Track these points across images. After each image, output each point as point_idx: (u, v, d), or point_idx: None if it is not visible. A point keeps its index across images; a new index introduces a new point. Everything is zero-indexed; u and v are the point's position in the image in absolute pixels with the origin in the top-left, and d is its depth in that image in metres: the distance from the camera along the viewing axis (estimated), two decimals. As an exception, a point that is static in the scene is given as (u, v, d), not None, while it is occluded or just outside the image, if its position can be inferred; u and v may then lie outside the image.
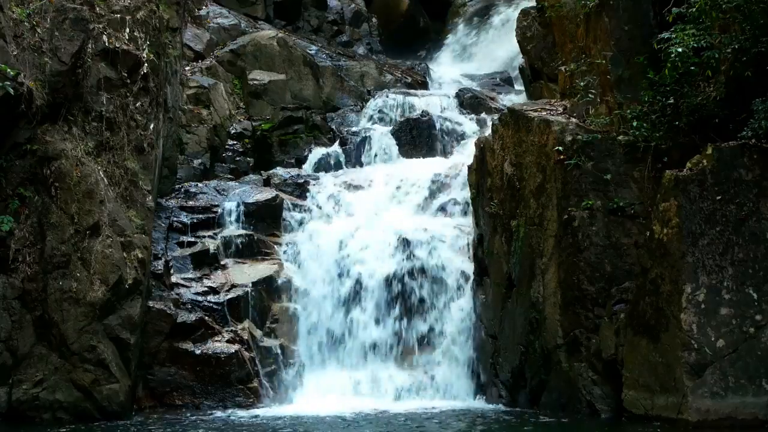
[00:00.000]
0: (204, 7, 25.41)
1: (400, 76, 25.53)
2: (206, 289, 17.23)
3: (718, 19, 14.09)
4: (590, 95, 16.06)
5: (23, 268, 15.05)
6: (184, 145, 20.71)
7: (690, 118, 14.52)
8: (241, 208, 18.73)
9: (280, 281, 17.78)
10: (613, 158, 15.32)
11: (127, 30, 16.46)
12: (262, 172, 20.90)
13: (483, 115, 22.44)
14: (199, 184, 19.56)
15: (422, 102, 23.22)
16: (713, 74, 14.24)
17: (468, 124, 22.15)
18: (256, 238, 18.37)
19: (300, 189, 20.00)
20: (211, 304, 16.98)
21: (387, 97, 23.50)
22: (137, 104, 16.42)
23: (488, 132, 18.35)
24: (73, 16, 15.72)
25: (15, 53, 15.02)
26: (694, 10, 14.11)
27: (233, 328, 16.85)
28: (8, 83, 14.57)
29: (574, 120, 16.04)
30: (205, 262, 17.72)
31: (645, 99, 15.01)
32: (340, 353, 17.67)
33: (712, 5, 13.85)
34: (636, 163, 15.21)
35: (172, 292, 16.93)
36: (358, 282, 18.02)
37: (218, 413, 15.81)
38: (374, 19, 29.25)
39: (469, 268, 18.00)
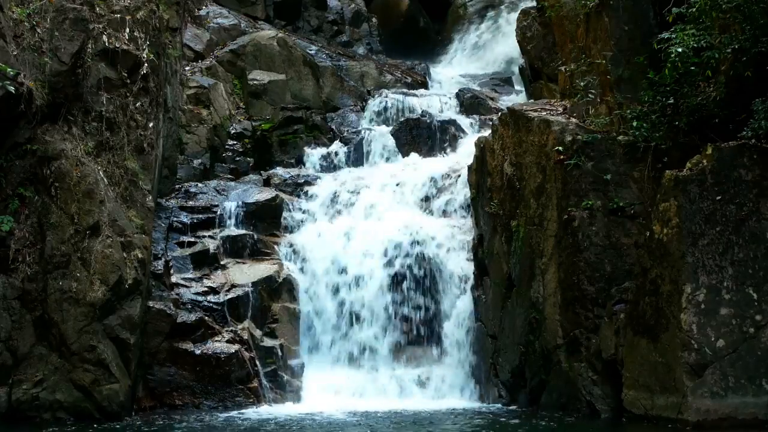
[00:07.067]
0: (204, 7, 25.40)
1: (400, 76, 25.52)
2: (206, 289, 17.23)
3: (718, 19, 14.09)
4: (590, 95, 16.06)
5: (23, 268, 15.04)
6: (184, 145, 20.70)
7: (690, 118, 14.51)
8: (241, 208, 18.73)
9: (280, 281, 17.77)
10: (613, 158, 15.32)
11: (127, 30, 16.46)
12: (262, 172, 20.91)
13: (483, 115, 22.44)
14: (199, 184, 19.56)
15: (422, 102, 23.23)
16: (713, 74, 14.23)
17: (468, 124, 22.14)
18: (256, 238, 18.37)
19: (300, 189, 20.03)
20: (211, 304, 16.98)
21: (387, 97, 23.50)
22: (137, 104, 16.42)
23: (488, 132, 18.35)
24: (73, 16, 15.71)
25: (15, 53, 15.02)
26: (694, 10, 14.11)
27: (233, 328, 16.85)
28: (8, 83, 14.57)
29: (574, 120, 16.04)
30: (205, 262, 17.73)
31: (645, 99, 15.01)
32: (340, 353, 17.69)
33: (712, 5, 13.85)
34: (636, 163, 15.21)
35: (172, 292, 16.92)
36: (358, 282, 18.03)
37: (218, 413, 15.80)
38: (374, 19, 29.21)
39: (469, 268, 18.00)
